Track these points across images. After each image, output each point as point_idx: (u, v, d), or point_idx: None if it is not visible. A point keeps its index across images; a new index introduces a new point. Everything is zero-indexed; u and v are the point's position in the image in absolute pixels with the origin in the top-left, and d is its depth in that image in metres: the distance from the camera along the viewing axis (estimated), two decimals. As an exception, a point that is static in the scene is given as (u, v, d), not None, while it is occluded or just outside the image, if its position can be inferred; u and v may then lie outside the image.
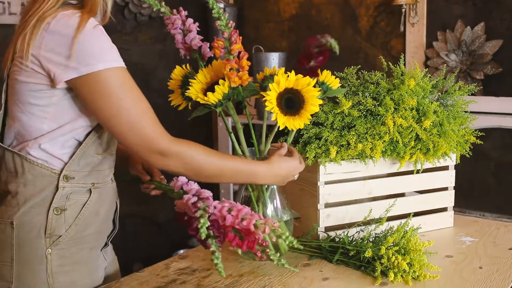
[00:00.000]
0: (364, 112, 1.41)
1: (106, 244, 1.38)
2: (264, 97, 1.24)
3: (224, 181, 1.35)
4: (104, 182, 1.30)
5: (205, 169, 1.22)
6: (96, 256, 1.33)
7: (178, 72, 1.35)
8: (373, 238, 1.33)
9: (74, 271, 1.27)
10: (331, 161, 1.39)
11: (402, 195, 1.55)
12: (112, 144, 1.32)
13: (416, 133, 1.42)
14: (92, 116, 1.21)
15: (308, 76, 1.24)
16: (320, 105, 1.25)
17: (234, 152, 1.35)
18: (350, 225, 1.42)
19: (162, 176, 1.46)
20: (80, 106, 1.20)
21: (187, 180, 1.24)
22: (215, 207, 1.10)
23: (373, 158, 1.40)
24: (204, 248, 1.44)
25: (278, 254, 1.06)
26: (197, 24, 1.31)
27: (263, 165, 1.28)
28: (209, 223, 1.05)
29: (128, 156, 1.46)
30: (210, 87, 1.28)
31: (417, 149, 1.44)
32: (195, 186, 1.21)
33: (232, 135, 1.33)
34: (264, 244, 1.06)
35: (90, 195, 1.26)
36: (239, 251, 1.37)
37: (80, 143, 1.23)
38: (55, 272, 1.23)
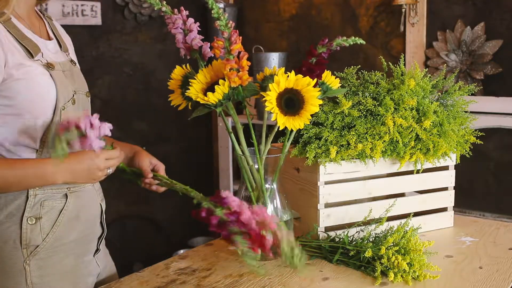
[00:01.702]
0: (364, 112, 1.41)
1: (97, 250, 1.35)
2: (264, 97, 1.24)
3: (14, 189, 1.18)
4: (83, 184, 1.27)
5: None
6: (84, 264, 1.30)
7: (178, 72, 1.35)
8: (373, 238, 1.33)
9: (57, 281, 1.24)
10: (331, 161, 1.39)
11: (402, 195, 1.55)
12: None
13: (416, 133, 1.42)
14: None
15: (308, 76, 1.24)
16: (320, 105, 1.25)
17: (234, 152, 1.35)
18: (350, 225, 1.42)
19: (166, 177, 1.41)
20: None
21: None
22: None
23: (373, 158, 1.40)
24: (203, 248, 1.45)
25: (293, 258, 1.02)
26: (198, 24, 1.31)
27: (52, 162, 1.16)
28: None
29: (137, 151, 1.42)
30: (210, 87, 1.28)
31: (417, 149, 1.44)
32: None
33: (232, 135, 1.33)
34: (276, 245, 1.03)
35: (66, 200, 1.23)
36: (239, 251, 1.37)
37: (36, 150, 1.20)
38: (36, 283, 1.21)
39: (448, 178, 1.56)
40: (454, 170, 1.56)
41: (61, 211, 1.23)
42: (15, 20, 1.20)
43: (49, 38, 1.30)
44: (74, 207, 1.25)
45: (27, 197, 1.19)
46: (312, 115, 1.25)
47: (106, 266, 1.40)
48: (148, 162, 1.39)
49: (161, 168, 1.41)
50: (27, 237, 1.19)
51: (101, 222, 1.35)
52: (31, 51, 1.19)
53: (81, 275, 1.30)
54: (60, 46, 1.33)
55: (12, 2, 1.17)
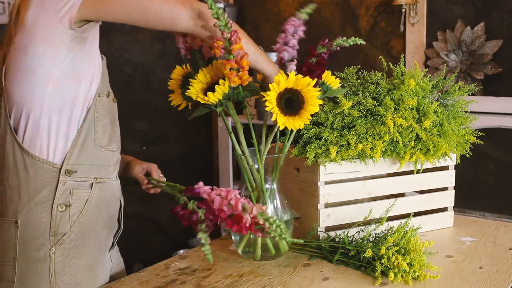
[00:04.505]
0: (364, 112, 1.41)
1: (113, 245, 1.37)
2: (264, 97, 1.24)
3: None
4: (109, 178, 1.30)
5: None
6: (103, 259, 1.33)
7: (178, 72, 1.35)
8: (373, 238, 1.33)
9: (79, 272, 1.26)
10: (331, 161, 1.39)
11: (402, 195, 1.55)
12: (114, 139, 1.31)
13: (416, 133, 1.42)
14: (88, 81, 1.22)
15: (308, 76, 1.24)
16: (320, 105, 1.25)
17: (234, 152, 1.36)
18: (350, 225, 1.42)
19: (161, 175, 1.47)
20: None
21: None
22: (205, 191, 1.12)
23: (373, 158, 1.40)
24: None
25: (279, 232, 1.04)
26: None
27: None
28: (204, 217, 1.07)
29: (129, 162, 1.48)
30: (210, 87, 1.28)
31: (417, 149, 1.44)
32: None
33: (232, 135, 1.33)
34: (255, 225, 1.07)
35: (91, 190, 1.26)
36: (239, 251, 1.37)
37: (75, 134, 1.22)
38: (59, 272, 1.23)
39: (448, 178, 1.56)
40: (454, 170, 1.56)
41: (86, 201, 1.25)
42: None
43: None
44: (97, 199, 1.27)
45: (57, 184, 1.21)
46: (312, 115, 1.25)
47: (115, 262, 1.42)
48: (140, 169, 1.47)
49: (153, 169, 1.47)
50: (56, 224, 1.22)
51: (118, 218, 1.37)
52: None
53: (100, 269, 1.32)
54: None
55: None
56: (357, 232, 1.39)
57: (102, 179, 1.28)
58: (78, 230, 1.24)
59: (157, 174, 1.46)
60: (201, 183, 1.13)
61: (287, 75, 1.25)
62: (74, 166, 1.22)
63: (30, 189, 1.21)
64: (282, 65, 1.35)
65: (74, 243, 1.24)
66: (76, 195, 1.24)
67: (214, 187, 1.13)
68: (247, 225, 1.05)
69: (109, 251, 1.36)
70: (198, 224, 1.06)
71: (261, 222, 1.04)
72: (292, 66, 1.33)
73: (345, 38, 1.27)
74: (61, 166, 1.21)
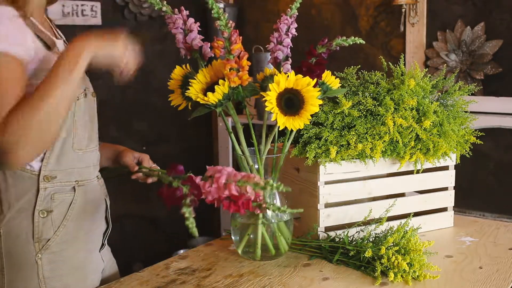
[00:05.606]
0: (364, 112, 1.41)
1: (103, 245, 1.37)
2: (264, 97, 1.24)
3: (62, 104, 1.09)
4: (89, 179, 1.29)
5: (35, 120, 1.06)
6: (92, 259, 1.32)
7: (178, 72, 1.35)
8: (373, 238, 1.33)
9: (68, 275, 1.25)
10: (331, 161, 1.39)
11: (402, 195, 1.55)
12: (94, 137, 1.31)
13: (416, 133, 1.42)
14: None
15: (308, 76, 1.24)
16: (320, 105, 1.25)
17: (234, 152, 1.35)
18: (350, 225, 1.42)
19: (154, 164, 1.45)
20: None
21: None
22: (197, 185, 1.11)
23: (373, 158, 1.40)
24: (203, 248, 1.45)
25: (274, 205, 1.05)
26: (198, 24, 1.32)
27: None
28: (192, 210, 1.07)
29: (120, 151, 1.46)
30: (210, 87, 1.28)
31: (417, 149, 1.44)
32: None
33: (232, 135, 1.33)
34: (258, 199, 1.06)
35: (75, 193, 1.25)
36: (239, 251, 1.37)
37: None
38: (47, 277, 1.22)
39: (448, 178, 1.56)
40: (454, 170, 1.56)
41: (70, 204, 1.24)
42: (31, 18, 1.20)
43: (57, 38, 1.31)
44: (81, 201, 1.27)
45: (38, 191, 1.20)
46: (312, 115, 1.25)
47: (108, 262, 1.41)
48: (131, 157, 1.43)
49: (145, 159, 1.44)
50: (39, 230, 1.21)
51: (106, 218, 1.37)
52: (48, 44, 1.20)
53: (90, 270, 1.31)
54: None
55: (31, 1, 1.18)
56: (357, 232, 1.39)
57: (84, 181, 1.27)
58: (63, 234, 1.23)
59: (148, 164, 1.44)
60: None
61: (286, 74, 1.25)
62: (53, 172, 1.21)
63: (10, 197, 1.20)
64: (277, 64, 1.34)
65: (61, 247, 1.23)
66: (58, 200, 1.23)
67: (207, 167, 1.11)
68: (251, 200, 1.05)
69: (100, 251, 1.36)
70: (182, 200, 1.05)
71: (261, 194, 1.04)
72: (287, 66, 1.33)
73: (344, 38, 1.28)
74: (39, 173, 1.20)
